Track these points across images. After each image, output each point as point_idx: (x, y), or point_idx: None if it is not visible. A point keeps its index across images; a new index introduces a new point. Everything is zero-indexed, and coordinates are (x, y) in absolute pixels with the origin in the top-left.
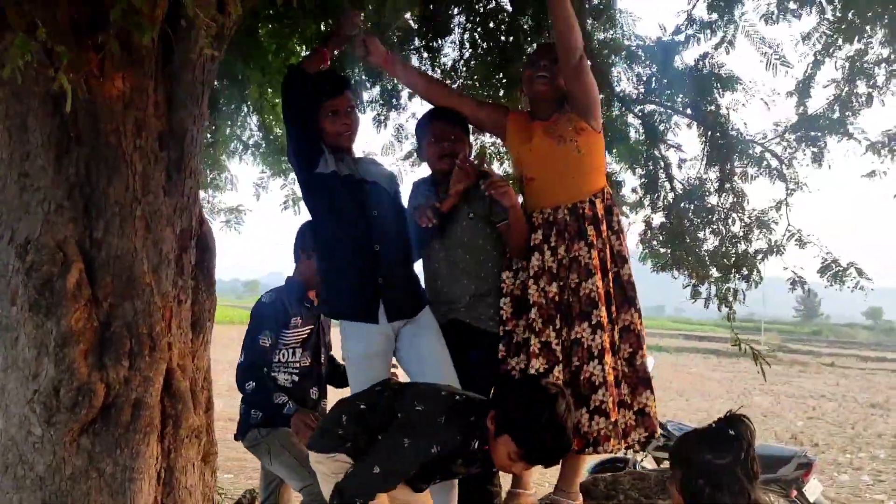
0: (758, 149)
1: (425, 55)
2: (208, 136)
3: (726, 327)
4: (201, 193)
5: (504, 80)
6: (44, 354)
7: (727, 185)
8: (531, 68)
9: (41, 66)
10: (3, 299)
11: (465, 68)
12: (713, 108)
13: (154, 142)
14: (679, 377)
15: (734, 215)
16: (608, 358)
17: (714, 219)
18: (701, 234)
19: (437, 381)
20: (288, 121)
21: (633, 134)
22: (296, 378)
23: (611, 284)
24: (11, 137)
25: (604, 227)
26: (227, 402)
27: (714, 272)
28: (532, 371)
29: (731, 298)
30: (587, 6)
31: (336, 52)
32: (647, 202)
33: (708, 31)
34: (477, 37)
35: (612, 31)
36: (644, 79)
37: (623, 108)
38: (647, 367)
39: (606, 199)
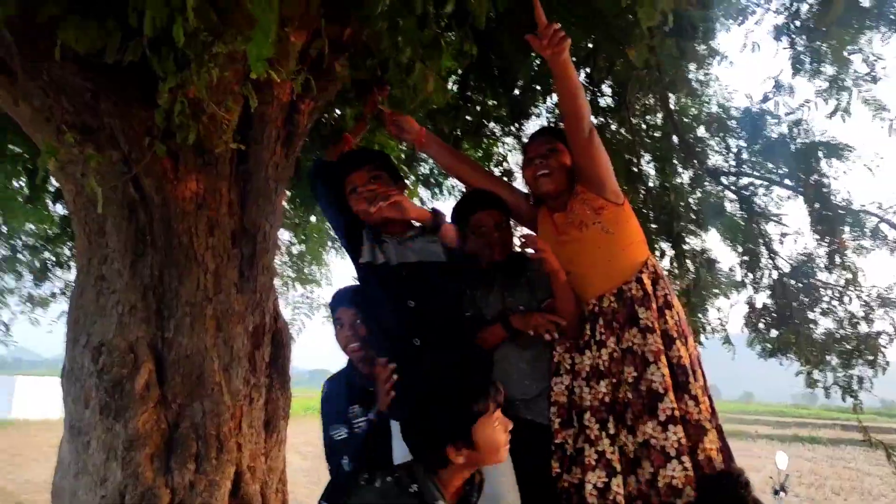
0: (872, 219)
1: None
2: (303, 234)
3: (890, 416)
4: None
5: None
6: (112, 458)
7: (837, 261)
8: (530, 167)
9: (120, 174)
10: (78, 403)
11: None
12: (815, 177)
13: (227, 240)
14: (836, 473)
15: (850, 293)
16: (686, 458)
17: (826, 298)
18: (812, 315)
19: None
20: (324, 215)
21: (729, 208)
22: None
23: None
24: (91, 243)
25: (654, 305)
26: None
27: (832, 358)
28: (589, 486)
29: (855, 387)
30: (664, 80)
31: (360, 134)
32: (748, 281)
33: (806, 100)
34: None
35: (695, 103)
36: (735, 150)
37: (715, 183)
38: (715, 464)
39: (652, 272)
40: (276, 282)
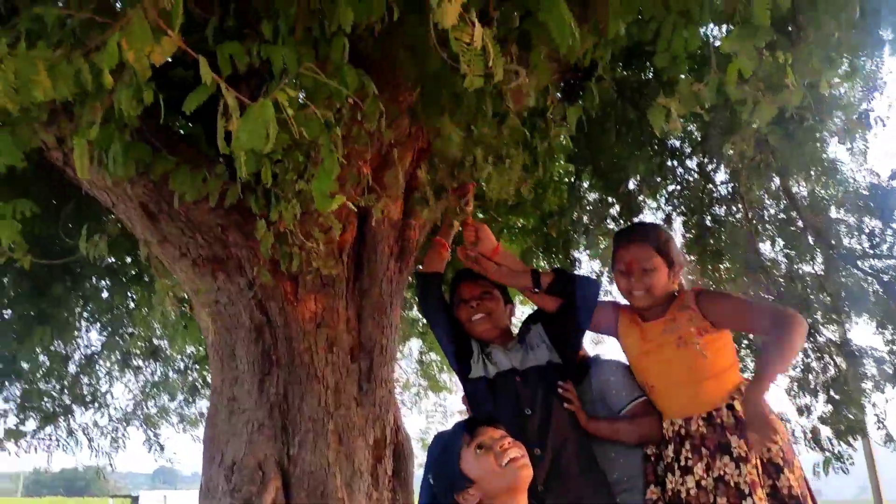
0: None
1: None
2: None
3: None
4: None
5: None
6: None
7: None
8: (623, 279)
9: (247, 299)
10: None
11: None
12: None
13: (346, 356)
14: None
15: None
16: None
17: None
18: None
19: None
20: (431, 329)
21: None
22: None
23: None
24: (223, 365)
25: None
26: None
27: None
28: None
29: None
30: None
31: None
32: None
33: None
34: (673, 212)
35: (820, 184)
36: (868, 231)
37: (852, 267)
38: None
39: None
40: (410, 392)
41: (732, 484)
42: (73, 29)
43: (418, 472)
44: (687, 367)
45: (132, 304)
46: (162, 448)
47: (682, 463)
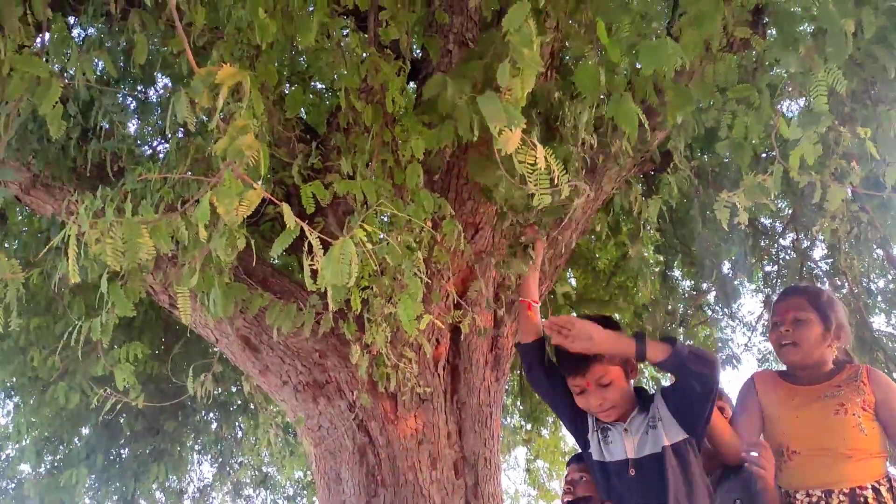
0: None
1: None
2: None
3: None
4: None
5: None
6: None
7: None
8: (774, 331)
9: (352, 421)
10: None
11: None
12: None
13: (450, 471)
14: None
15: None
16: None
17: None
18: None
19: None
20: (543, 399)
21: None
22: None
23: None
24: (330, 491)
25: None
26: None
27: None
28: None
29: None
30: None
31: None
32: None
33: None
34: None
35: None
36: None
37: None
38: None
39: (890, 491)
40: (522, 502)
41: None
42: (173, 187)
43: None
44: (842, 437)
45: (240, 434)
46: None
47: None
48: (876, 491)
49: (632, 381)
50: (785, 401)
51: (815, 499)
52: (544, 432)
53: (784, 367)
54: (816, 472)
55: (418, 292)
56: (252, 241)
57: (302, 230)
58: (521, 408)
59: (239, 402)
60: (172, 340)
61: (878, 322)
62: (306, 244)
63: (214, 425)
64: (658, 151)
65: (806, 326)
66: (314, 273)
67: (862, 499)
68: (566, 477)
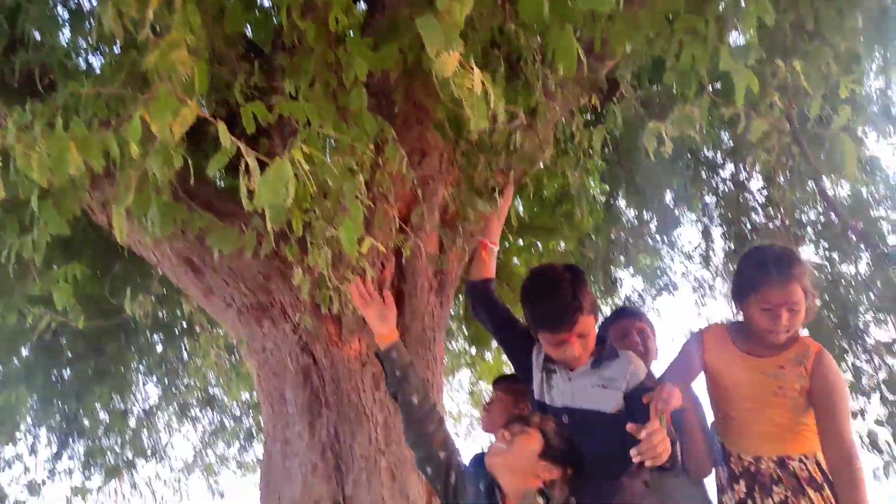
0: None
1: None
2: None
3: None
4: None
5: None
6: None
7: None
8: (768, 319)
9: (296, 343)
10: None
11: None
12: None
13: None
14: None
15: None
16: None
17: None
18: None
19: None
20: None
21: None
22: None
23: None
24: (274, 410)
25: (825, 493)
26: None
27: None
28: None
29: None
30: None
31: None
32: None
33: None
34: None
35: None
36: None
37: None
38: None
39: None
40: (462, 423)
41: None
42: (107, 102)
43: None
44: (776, 415)
45: (186, 356)
46: (222, 495)
47: (756, 500)
48: (802, 462)
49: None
50: (731, 366)
51: (746, 463)
52: (488, 356)
53: (734, 321)
54: (750, 439)
55: (359, 215)
56: (191, 161)
57: (239, 150)
58: (466, 332)
59: (184, 324)
60: (114, 261)
61: (808, 252)
62: (242, 164)
63: (159, 348)
64: (606, 81)
65: (798, 314)
66: (251, 193)
67: (791, 467)
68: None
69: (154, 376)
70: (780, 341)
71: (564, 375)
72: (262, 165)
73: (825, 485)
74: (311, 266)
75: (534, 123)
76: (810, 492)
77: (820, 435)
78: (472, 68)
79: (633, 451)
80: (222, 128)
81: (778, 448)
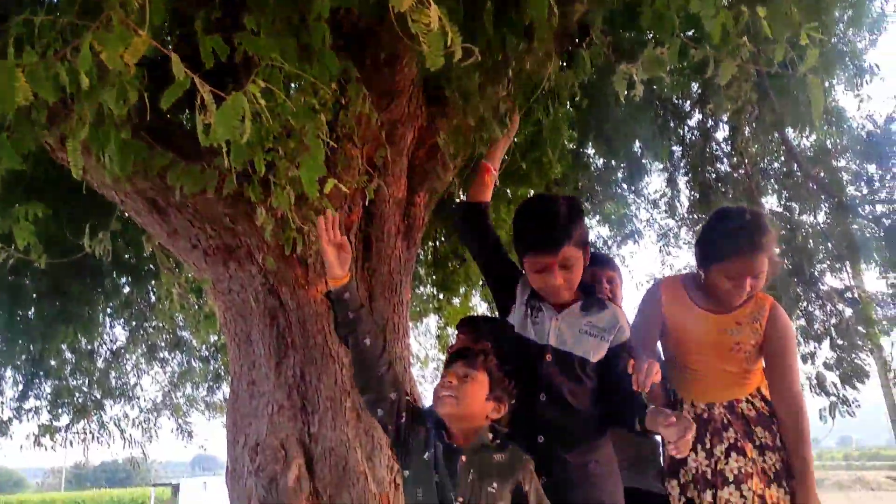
0: None
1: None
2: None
3: None
4: None
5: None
6: None
7: None
8: (732, 285)
9: (262, 285)
10: (241, 500)
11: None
12: None
13: None
14: None
15: None
16: None
17: None
18: None
19: None
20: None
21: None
22: None
23: None
24: (240, 351)
25: (773, 427)
26: None
27: None
28: None
29: None
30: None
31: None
32: None
33: None
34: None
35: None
36: (866, 176)
37: (853, 215)
38: None
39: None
40: (429, 368)
41: (760, 468)
42: (62, 33)
43: None
44: (732, 367)
45: (153, 299)
46: (191, 435)
47: (707, 446)
48: (749, 402)
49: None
50: (688, 321)
51: (699, 410)
52: (455, 301)
53: (688, 273)
54: (704, 389)
55: (320, 155)
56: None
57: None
58: (434, 278)
59: (151, 266)
60: (76, 201)
61: (771, 202)
62: (198, 98)
63: (127, 290)
64: (577, 27)
65: (761, 280)
66: (207, 129)
67: (739, 410)
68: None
69: (121, 318)
70: (738, 303)
71: (552, 314)
72: (221, 101)
73: (773, 418)
74: (275, 207)
75: (531, 46)
76: (758, 430)
77: (770, 385)
78: (430, 4)
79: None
80: (175, 59)
81: (729, 395)
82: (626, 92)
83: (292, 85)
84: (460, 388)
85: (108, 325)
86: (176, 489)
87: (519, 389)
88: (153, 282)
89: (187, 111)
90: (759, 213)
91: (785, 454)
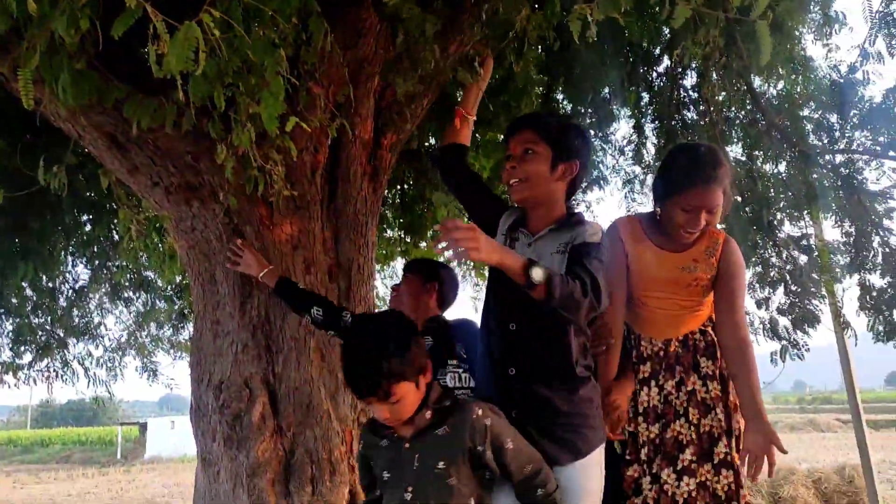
0: None
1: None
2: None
3: None
4: None
5: None
6: (238, 485)
7: None
8: (685, 218)
9: (227, 225)
10: (206, 437)
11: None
12: None
13: (324, 276)
14: None
15: None
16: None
17: None
18: None
19: None
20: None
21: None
22: None
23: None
24: (204, 291)
25: (718, 354)
26: None
27: None
28: None
29: None
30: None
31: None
32: (858, 262)
33: None
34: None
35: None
36: (827, 126)
37: (813, 164)
38: None
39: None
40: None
41: (699, 398)
42: None
43: None
44: (688, 301)
45: (116, 237)
46: (156, 373)
47: (659, 381)
48: (703, 332)
49: (569, 171)
50: (647, 260)
51: (656, 348)
52: (423, 245)
53: (643, 213)
54: (661, 325)
55: (280, 91)
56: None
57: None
58: (402, 221)
59: (112, 204)
60: (33, 134)
61: (735, 151)
62: (151, 28)
63: (89, 228)
64: None
65: (716, 215)
66: (161, 59)
67: (691, 342)
68: None
69: (84, 256)
70: (692, 240)
71: (526, 241)
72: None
73: (717, 348)
74: (236, 145)
75: None
76: (703, 360)
77: (718, 316)
78: None
79: None
80: None
81: (685, 329)
82: (580, 32)
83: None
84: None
85: (69, 263)
86: (143, 428)
87: (494, 321)
88: (115, 220)
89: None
90: (714, 147)
91: (726, 383)
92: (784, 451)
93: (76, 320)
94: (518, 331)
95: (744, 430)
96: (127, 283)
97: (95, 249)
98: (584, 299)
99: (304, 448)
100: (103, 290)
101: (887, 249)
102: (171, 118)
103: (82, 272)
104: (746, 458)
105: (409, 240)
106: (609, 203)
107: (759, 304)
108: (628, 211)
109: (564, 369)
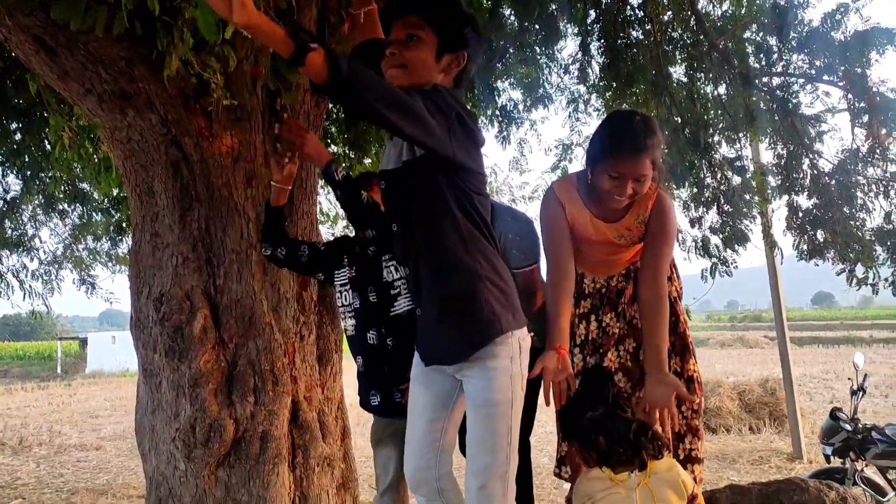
0: None
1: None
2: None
3: None
4: None
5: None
6: (181, 395)
7: (878, 154)
8: (612, 185)
9: (160, 135)
10: (148, 349)
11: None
12: (858, 69)
13: (265, 189)
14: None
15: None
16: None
17: (871, 194)
18: (856, 213)
19: None
20: None
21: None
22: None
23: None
24: (142, 203)
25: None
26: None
27: (880, 253)
28: None
29: None
30: None
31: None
32: (788, 183)
33: None
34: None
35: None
36: (766, 48)
37: (750, 87)
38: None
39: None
40: (338, 225)
41: (638, 327)
42: None
43: None
44: (623, 258)
45: (49, 147)
46: (94, 286)
47: (599, 316)
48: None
49: (455, 61)
50: (583, 225)
51: (598, 285)
52: (367, 161)
53: (578, 173)
54: (601, 267)
55: None
56: None
57: None
58: (346, 136)
59: (44, 113)
60: None
61: (677, 72)
62: None
63: (18, 136)
64: None
65: (644, 184)
66: None
67: (633, 273)
68: None
69: (14, 167)
70: (620, 206)
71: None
72: None
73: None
74: (172, 51)
75: None
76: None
77: (641, 268)
78: None
79: None
80: None
81: (624, 263)
82: None
83: None
84: None
85: (0, 173)
86: (84, 342)
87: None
88: (47, 129)
89: None
90: (649, 118)
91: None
92: (689, 399)
93: (9, 232)
94: (399, 232)
95: (646, 383)
96: (61, 195)
97: (27, 159)
98: (404, 99)
99: (246, 359)
100: (37, 201)
101: (815, 172)
102: (103, 21)
103: (14, 183)
104: (655, 413)
105: (353, 155)
106: (553, 122)
107: (692, 223)
108: (571, 130)
109: (447, 254)
